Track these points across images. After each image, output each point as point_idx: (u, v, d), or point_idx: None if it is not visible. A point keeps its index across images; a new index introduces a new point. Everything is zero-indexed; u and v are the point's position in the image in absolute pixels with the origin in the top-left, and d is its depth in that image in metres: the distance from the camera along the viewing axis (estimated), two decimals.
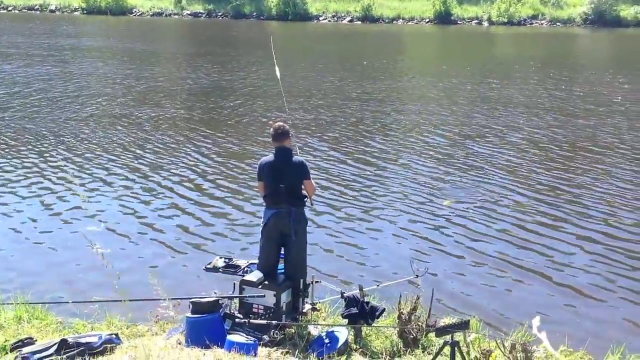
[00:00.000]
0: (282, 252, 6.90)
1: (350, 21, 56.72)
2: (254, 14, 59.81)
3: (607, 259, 9.60)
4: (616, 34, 48.05)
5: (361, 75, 27.23)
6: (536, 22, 54.40)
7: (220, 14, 60.85)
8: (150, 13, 61.78)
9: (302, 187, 6.85)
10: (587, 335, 7.33)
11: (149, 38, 43.92)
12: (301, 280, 6.88)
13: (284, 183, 6.71)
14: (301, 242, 6.84)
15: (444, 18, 55.15)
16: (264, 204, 6.92)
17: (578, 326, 7.83)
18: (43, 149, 15.47)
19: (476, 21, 55.06)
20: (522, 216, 11.26)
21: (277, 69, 8.21)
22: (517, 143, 16.30)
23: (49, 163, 14.32)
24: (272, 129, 6.94)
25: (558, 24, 53.57)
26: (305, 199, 6.89)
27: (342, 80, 25.93)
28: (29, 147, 15.62)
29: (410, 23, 55.52)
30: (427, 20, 55.70)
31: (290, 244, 6.75)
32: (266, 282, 6.63)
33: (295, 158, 6.89)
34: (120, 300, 7.03)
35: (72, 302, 6.99)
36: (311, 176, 6.95)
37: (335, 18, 57.78)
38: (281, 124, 6.98)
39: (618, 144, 16.18)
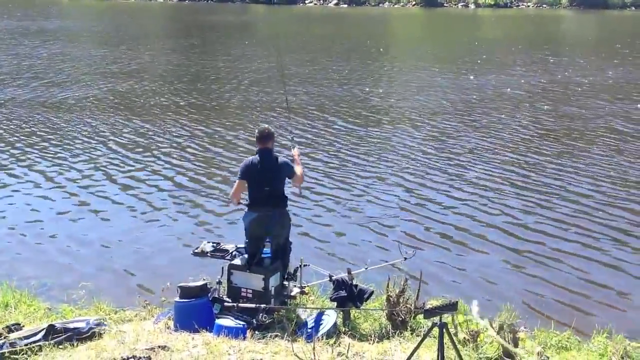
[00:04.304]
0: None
1: (337, 4, 56.44)
2: None
3: (591, 242, 9.65)
4: (602, 15, 48.12)
5: (344, 58, 27.16)
6: (522, 4, 54.42)
7: None
8: None
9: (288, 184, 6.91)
10: (572, 316, 7.37)
11: (124, 21, 43.53)
12: (289, 264, 6.90)
13: (269, 186, 6.72)
14: (287, 235, 6.91)
15: (430, 1, 55.00)
16: (238, 204, 6.87)
17: (564, 308, 7.88)
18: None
19: (462, 3, 54.98)
20: (508, 202, 11.28)
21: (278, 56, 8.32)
22: (503, 129, 16.33)
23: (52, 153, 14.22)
24: (257, 131, 6.99)
25: (544, 5, 53.60)
26: (287, 199, 6.91)
27: (324, 63, 25.84)
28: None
29: (396, 6, 55.35)
30: (414, 3, 55.55)
31: (276, 236, 6.76)
32: (254, 266, 6.63)
33: (280, 159, 6.90)
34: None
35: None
36: (300, 162, 7.09)
37: (321, 1, 57.49)
38: (266, 126, 7.11)
39: (587, 126, 16.26)
